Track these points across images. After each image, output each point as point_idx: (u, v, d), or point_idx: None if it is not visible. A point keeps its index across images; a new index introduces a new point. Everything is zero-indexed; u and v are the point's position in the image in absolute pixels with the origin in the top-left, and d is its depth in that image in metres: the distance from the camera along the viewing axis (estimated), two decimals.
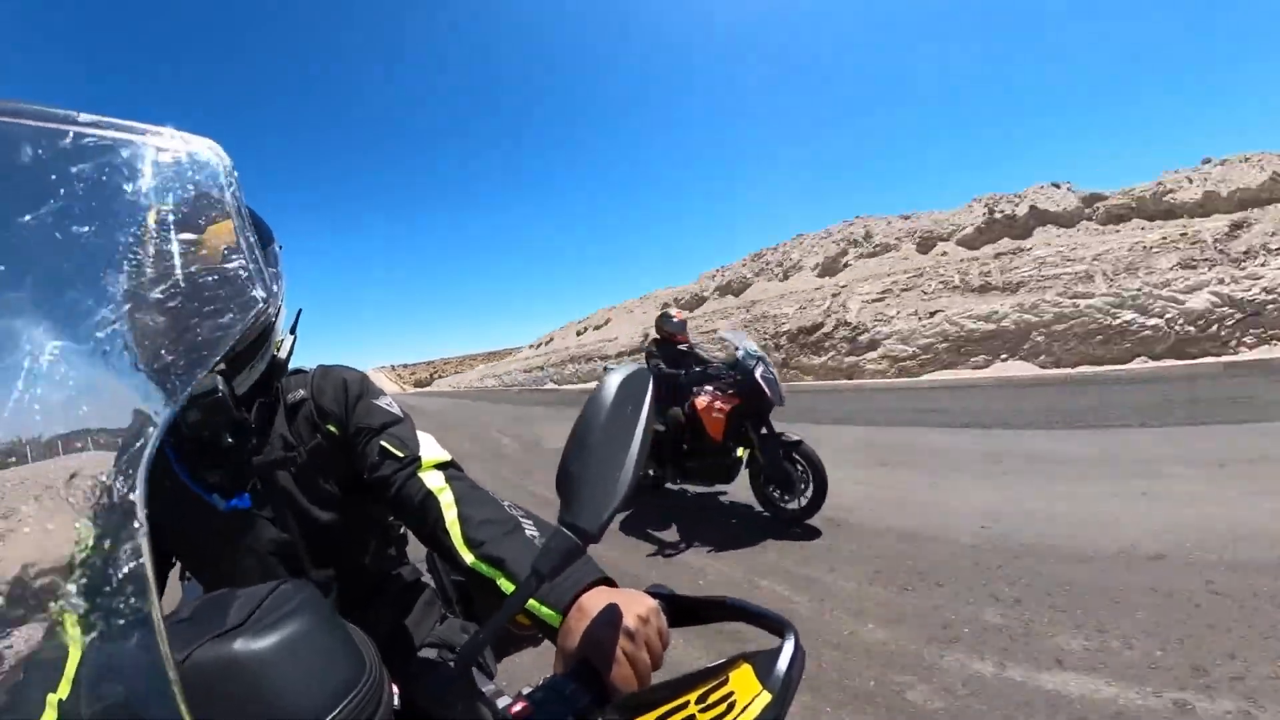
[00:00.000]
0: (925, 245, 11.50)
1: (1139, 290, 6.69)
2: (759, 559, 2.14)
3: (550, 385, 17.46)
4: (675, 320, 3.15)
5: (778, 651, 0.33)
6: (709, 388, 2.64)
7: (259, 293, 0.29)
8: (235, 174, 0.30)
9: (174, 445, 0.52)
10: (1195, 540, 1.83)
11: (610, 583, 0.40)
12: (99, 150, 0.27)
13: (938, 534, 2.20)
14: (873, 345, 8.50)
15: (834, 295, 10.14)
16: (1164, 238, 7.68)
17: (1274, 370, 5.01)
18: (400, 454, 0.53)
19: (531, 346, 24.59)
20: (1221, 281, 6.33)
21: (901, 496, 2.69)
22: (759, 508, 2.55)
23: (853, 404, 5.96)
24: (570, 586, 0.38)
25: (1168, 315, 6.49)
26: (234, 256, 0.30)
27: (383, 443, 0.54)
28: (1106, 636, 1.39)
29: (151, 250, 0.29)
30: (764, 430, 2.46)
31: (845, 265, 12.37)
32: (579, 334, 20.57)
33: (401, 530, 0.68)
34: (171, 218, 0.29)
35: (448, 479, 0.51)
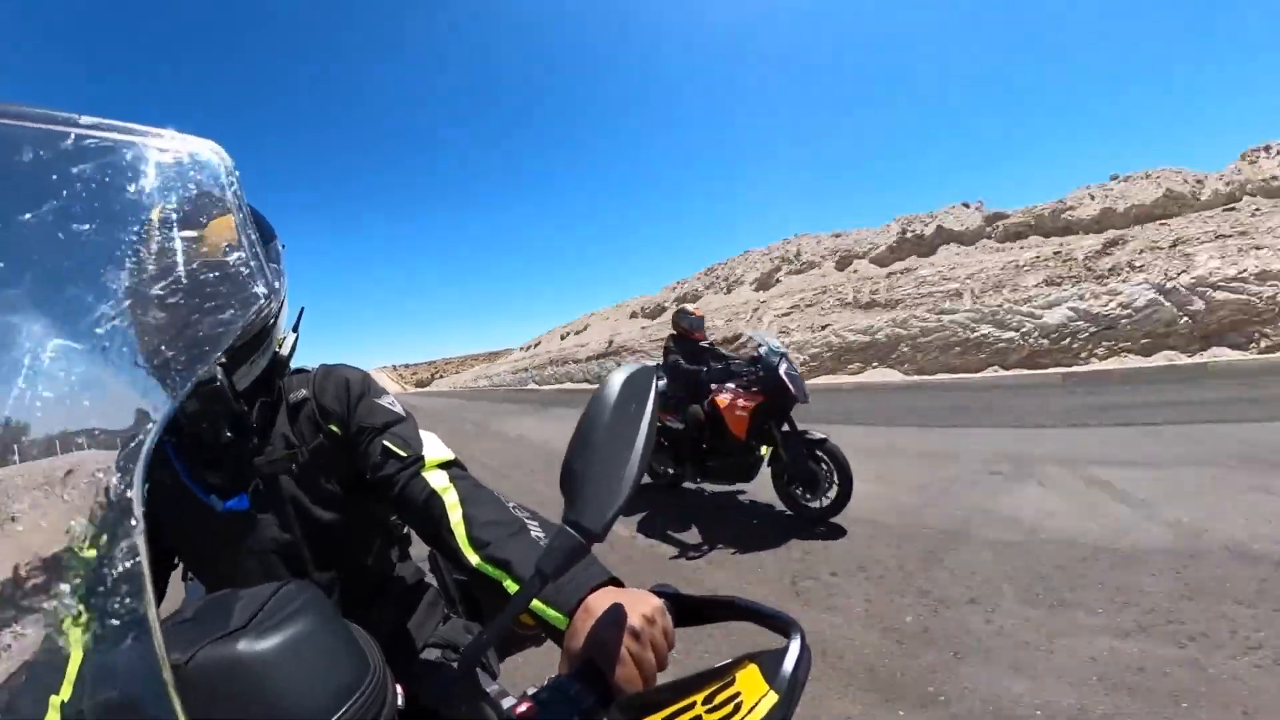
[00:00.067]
0: (843, 263, 12.36)
1: (999, 306, 7.37)
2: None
3: (532, 385, 18.95)
4: (693, 316, 3.06)
5: (784, 652, 0.33)
6: (730, 385, 2.59)
7: (260, 289, 0.29)
8: (236, 173, 0.31)
9: (174, 443, 0.53)
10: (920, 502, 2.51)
11: (617, 583, 0.40)
12: (100, 151, 0.27)
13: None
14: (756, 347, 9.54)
15: (754, 310, 11.16)
16: (1038, 256, 8.26)
17: (1102, 381, 5.66)
18: (403, 453, 0.53)
19: (522, 349, 26.22)
20: (1081, 298, 6.93)
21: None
22: (780, 506, 2.49)
23: None
24: (576, 588, 0.38)
25: (1024, 329, 7.15)
26: (235, 253, 0.30)
27: (385, 442, 0.54)
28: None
29: (153, 248, 0.29)
30: (787, 428, 2.41)
31: (777, 281, 13.37)
32: (562, 338, 22.15)
33: (404, 530, 0.68)
34: (173, 216, 0.29)
35: (452, 478, 0.51)
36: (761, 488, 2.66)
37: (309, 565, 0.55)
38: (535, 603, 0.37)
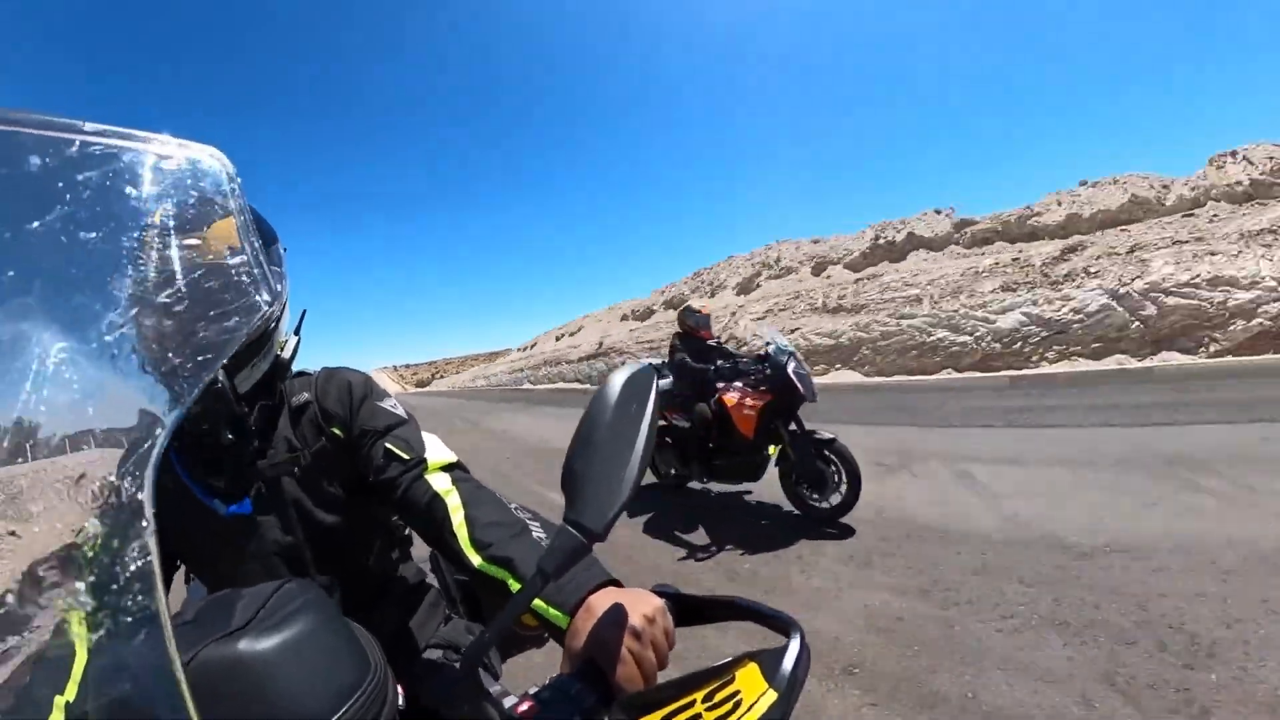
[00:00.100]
0: (819, 269, 12.62)
1: (955, 311, 7.60)
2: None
3: (527, 385, 19.45)
4: (699, 314, 3.01)
5: (783, 650, 0.33)
6: (738, 384, 2.56)
7: (264, 296, 0.30)
8: (238, 180, 0.31)
9: (177, 447, 0.53)
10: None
11: (617, 583, 0.40)
12: (104, 158, 0.27)
13: None
14: (740, 349, 9.93)
15: (733, 314, 11.50)
16: (996, 262, 8.47)
17: (1047, 384, 5.82)
18: (406, 456, 0.54)
19: (519, 350, 26.94)
20: (1035, 303, 7.14)
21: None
22: (786, 506, 2.48)
23: None
24: (577, 588, 0.38)
25: (978, 333, 7.37)
26: (238, 260, 0.30)
27: (388, 445, 0.54)
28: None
29: (157, 255, 0.29)
30: (794, 427, 2.40)
31: (757, 286, 13.69)
32: (557, 339, 22.66)
33: (406, 531, 0.68)
34: (176, 223, 0.30)
35: (454, 481, 0.52)
36: (767, 488, 2.65)
37: (311, 567, 0.56)
38: (537, 602, 0.38)
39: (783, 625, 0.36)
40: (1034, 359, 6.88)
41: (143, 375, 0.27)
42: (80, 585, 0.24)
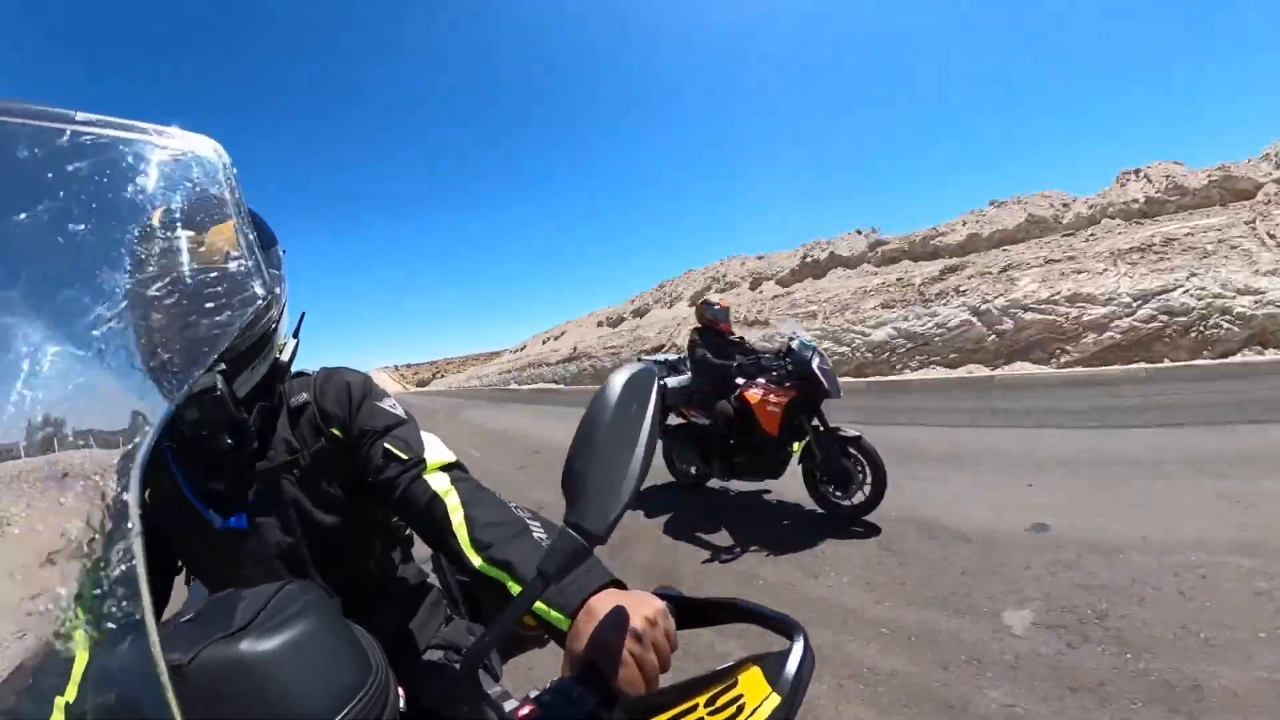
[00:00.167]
0: (755, 284, 13.66)
1: (840, 326, 8.43)
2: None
3: (513, 385, 21.02)
4: (717, 307, 2.95)
5: (787, 654, 0.33)
6: (760, 380, 2.51)
7: (258, 289, 0.29)
8: (234, 171, 0.30)
9: (173, 449, 0.52)
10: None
11: (619, 584, 0.40)
12: (96, 149, 0.27)
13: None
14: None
15: (677, 324, 12.61)
16: (883, 282, 9.15)
17: (900, 388, 6.65)
18: (405, 456, 0.53)
19: (511, 351, 28.26)
20: (905, 319, 7.91)
21: None
22: (808, 505, 2.44)
23: None
24: (578, 590, 0.38)
25: (855, 345, 8.20)
26: (233, 253, 0.29)
27: (387, 445, 0.54)
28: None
29: (150, 248, 0.29)
30: (818, 424, 2.36)
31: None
32: (544, 343, 24.16)
33: (406, 532, 0.68)
34: (170, 215, 0.29)
35: (453, 481, 0.51)
36: (786, 486, 2.62)
37: (311, 568, 0.56)
38: (538, 604, 0.38)
39: (786, 628, 0.36)
40: (898, 368, 7.63)
41: (132, 371, 0.27)
42: (73, 587, 0.23)
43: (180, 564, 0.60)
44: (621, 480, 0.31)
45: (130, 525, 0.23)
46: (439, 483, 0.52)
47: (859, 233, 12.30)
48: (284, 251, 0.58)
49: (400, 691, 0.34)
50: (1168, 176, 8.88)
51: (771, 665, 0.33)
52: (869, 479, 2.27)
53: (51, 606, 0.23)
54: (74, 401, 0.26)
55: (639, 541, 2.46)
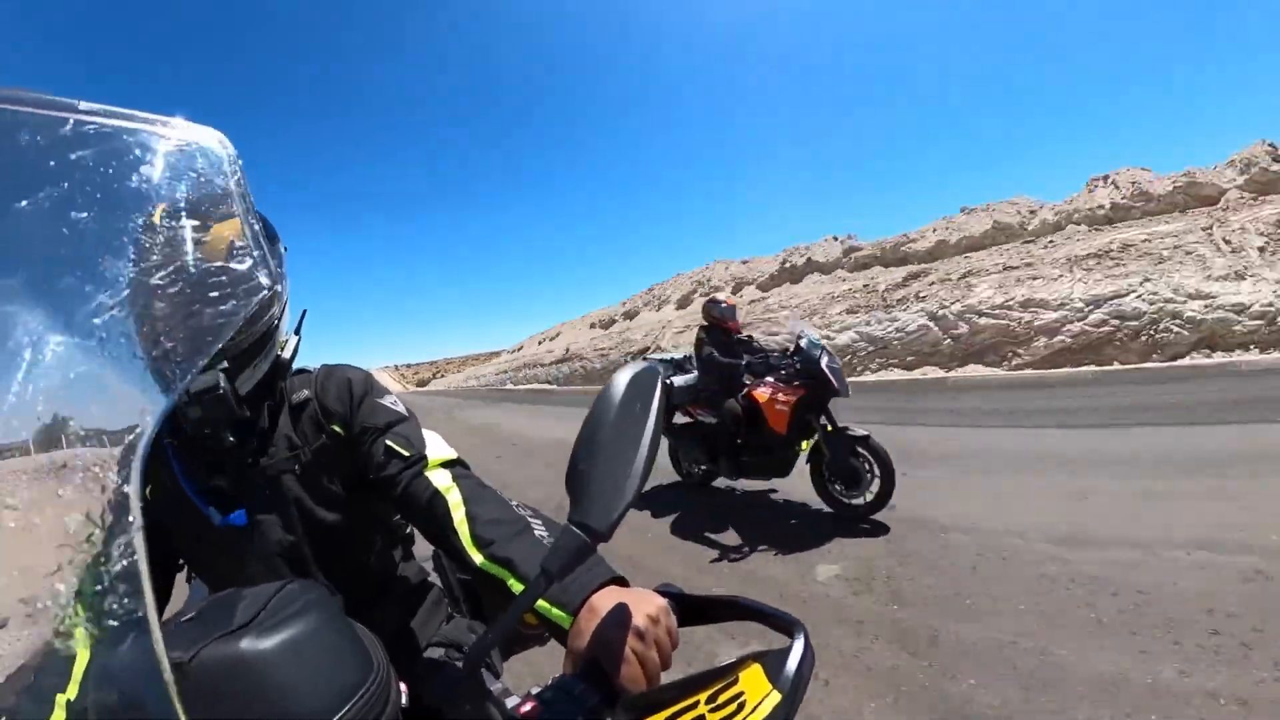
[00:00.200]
0: (738, 288, 14.27)
1: (752, 329, 8.88)
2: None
3: (509, 385, 21.55)
4: (724, 305, 2.95)
5: (787, 651, 0.33)
6: (769, 379, 2.51)
7: (263, 279, 0.29)
8: (240, 162, 0.30)
9: (174, 446, 0.52)
10: None
11: (621, 581, 0.40)
12: (100, 138, 0.27)
13: None
14: None
15: (662, 327, 13.04)
16: (850, 288, 9.47)
17: (860, 389, 6.54)
18: (406, 453, 0.53)
19: (509, 352, 28.85)
20: (868, 324, 8.24)
21: None
22: (814, 504, 2.45)
23: None
24: (580, 588, 0.38)
25: None
26: (238, 244, 0.29)
27: (388, 442, 0.54)
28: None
29: (153, 237, 0.29)
30: (826, 423, 2.37)
31: (692, 302, 15.23)
32: (540, 343, 24.68)
33: (408, 530, 0.68)
34: (175, 205, 0.29)
35: (455, 478, 0.51)
36: (792, 485, 2.64)
37: (312, 565, 0.56)
38: (540, 602, 0.38)
39: (786, 626, 0.36)
40: (859, 370, 7.94)
41: (133, 361, 0.27)
42: (74, 583, 0.23)
43: (181, 561, 0.60)
44: (625, 479, 0.31)
45: (131, 519, 0.23)
46: (440, 479, 0.52)
47: (835, 239, 12.68)
48: (285, 248, 0.58)
49: (402, 689, 0.34)
50: (1134, 183, 9.06)
51: (772, 663, 0.33)
52: (877, 478, 2.27)
53: (52, 604, 0.23)
54: (76, 393, 0.25)
55: (645, 541, 2.47)
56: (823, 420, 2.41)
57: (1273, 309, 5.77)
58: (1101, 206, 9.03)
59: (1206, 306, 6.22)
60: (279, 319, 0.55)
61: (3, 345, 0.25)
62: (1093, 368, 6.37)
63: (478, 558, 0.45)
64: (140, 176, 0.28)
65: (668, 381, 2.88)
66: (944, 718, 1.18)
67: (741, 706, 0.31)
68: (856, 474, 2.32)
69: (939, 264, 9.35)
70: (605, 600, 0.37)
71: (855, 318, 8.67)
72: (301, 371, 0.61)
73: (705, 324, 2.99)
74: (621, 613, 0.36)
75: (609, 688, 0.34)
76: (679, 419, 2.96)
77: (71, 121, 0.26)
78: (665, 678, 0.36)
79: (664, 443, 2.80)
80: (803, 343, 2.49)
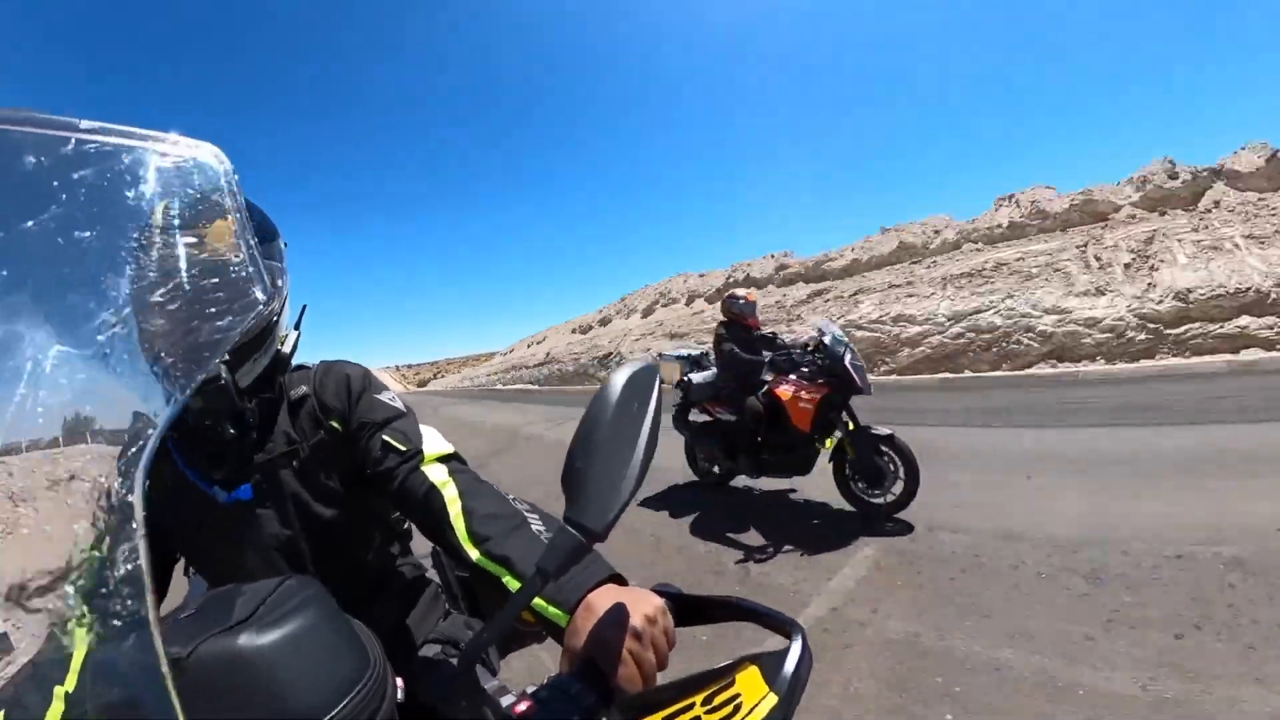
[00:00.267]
0: (690, 300, 15.47)
1: (668, 347, 10.24)
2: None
3: (498, 386, 23.18)
4: (743, 301, 2.88)
5: (785, 653, 0.33)
6: (791, 376, 2.47)
7: (258, 295, 0.30)
8: (236, 177, 0.31)
9: (176, 440, 0.53)
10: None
11: (619, 579, 0.40)
12: (100, 157, 0.27)
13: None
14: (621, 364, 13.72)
15: (624, 335, 14.47)
16: (768, 303, 10.56)
17: None
18: (403, 447, 0.54)
19: (502, 354, 30.04)
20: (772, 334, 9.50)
21: None
22: (836, 504, 2.42)
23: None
24: (576, 586, 0.38)
25: None
26: (234, 258, 0.30)
27: (385, 437, 0.55)
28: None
29: (153, 254, 0.29)
30: (848, 420, 2.35)
31: (654, 312, 16.55)
32: (528, 346, 26.26)
33: (405, 526, 0.69)
34: (173, 221, 0.30)
35: (451, 472, 0.52)
36: (813, 484, 2.62)
37: (309, 560, 0.56)
38: (536, 600, 0.38)
39: (784, 627, 0.36)
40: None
41: (136, 375, 0.27)
42: (75, 585, 0.24)
43: (179, 555, 0.61)
44: (622, 478, 0.31)
45: (134, 525, 0.24)
46: (437, 474, 0.52)
47: (772, 256, 13.69)
48: (285, 244, 0.58)
49: (399, 685, 0.35)
50: (1034, 202, 9.71)
51: (769, 664, 0.33)
52: (901, 476, 2.25)
53: (55, 603, 0.24)
54: (80, 404, 0.26)
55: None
56: (844, 418, 2.39)
57: (1123, 323, 6.37)
58: (1000, 225, 9.72)
59: (1059, 321, 7.00)
60: (278, 314, 0.56)
61: (9, 357, 0.25)
62: (947, 375, 7.36)
63: (474, 553, 0.46)
64: (139, 193, 0.29)
65: (685, 378, 2.88)
66: None
67: (738, 708, 0.32)
68: (880, 472, 2.30)
69: (840, 282, 10.32)
70: (602, 599, 0.38)
71: (768, 328, 9.82)
72: (300, 368, 0.62)
73: (724, 320, 2.92)
74: (619, 612, 0.36)
75: (605, 688, 0.34)
76: (696, 417, 2.92)
77: (73, 141, 0.27)
78: (662, 678, 0.36)
79: (680, 441, 2.94)
80: (826, 339, 2.45)
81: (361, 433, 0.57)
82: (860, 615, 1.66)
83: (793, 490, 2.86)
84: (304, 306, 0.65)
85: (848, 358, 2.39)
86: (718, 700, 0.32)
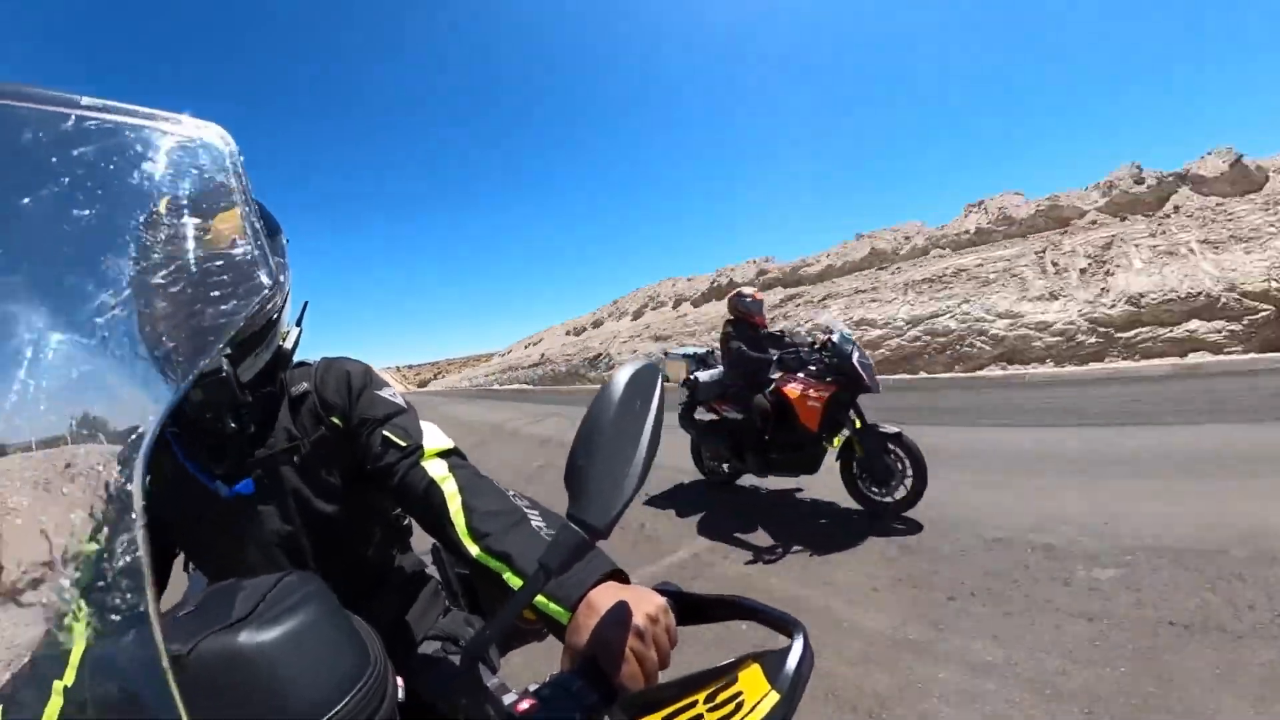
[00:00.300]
0: (677, 304, 16.57)
1: (695, 344, 10.68)
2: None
3: (495, 386, 23.84)
4: (750, 300, 2.86)
5: (787, 651, 0.33)
6: (799, 374, 2.47)
7: (264, 278, 0.29)
8: (241, 158, 0.30)
9: (175, 432, 0.53)
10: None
11: (621, 575, 0.40)
12: (101, 134, 0.26)
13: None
14: (609, 366, 13.67)
15: (613, 337, 15.14)
16: (723, 313, 11.37)
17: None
18: (403, 443, 0.54)
19: (500, 355, 30.91)
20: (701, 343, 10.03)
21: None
22: (844, 503, 2.42)
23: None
24: (578, 584, 0.38)
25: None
26: (239, 241, 0.29)
27: (385, 432, 0.55)
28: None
29: (156, 235, 0.29)
30: (855, 419, 2.35)
31: (643, 314, 17.25)
32: (526, 347, 26.89)
33: (405, 522, 0.69)
34: (176, 202, 0.29)
35: (451, 468, 0.52)
36: (819, 483, 2.63)
37: (309, 556, 0.57)
38: (538, 597, 0.38)
39: (786, 626, 0.36)
40: None
41: (136, 361, 0.27)
42: (74, 577, 0.23)
43: (178, 550, 0.61)
44: (624, 476, 0.31)
45: (134, 516, 0.23)
46: (436, 469, 0.52)
47: (754, 261, 14.20)
48: (287, 240, 0.58)
49: (399, 682, 0.35)
50: (1001, 208, 10.02)
51: (771, 663, 0.34)
52: (909, 475, 2.25)
53: (55, 596, 0.24)
54: (78, 391, 0.25)
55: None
56: (851, 416, 2.40)
57: (1073, 326, 6.61)
58: (967, 231, 10.05)
59: (1011, 325, 7.30)
60: (281, 309, 0.56)
61: (6, 343, 0.25)
62: (905, 375, 7.77)
63: (474, 549, 0.46)
64: (142, 173, 0.28)
65: (692, 377, 2.91)
66: None
67: (740, 706, 0.32)
68: (889, 471, 2.30)
69: (813, 287, 10.79)
70: (604, 597, 0.38)
71: (698, 339, 10.84)
72: (301, 364, 0.62)
73: (731, 318, 2.93)
74: (621, 611, 0.36)
75: (607, 686, 0.34)
76: (703, 415, 2.94)
77: (73, 118, 0.26)
78: (664, 676, 0.36)
79: (686, 439, 2.99)
80: (834, 337, 2.46)
81: (362, 429, 0.57)
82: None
83: (798, 489, 2.86)
84: (305, 303, 0.65)
85: (855, 356, 2.40)
86: (720, 698, 0.33)
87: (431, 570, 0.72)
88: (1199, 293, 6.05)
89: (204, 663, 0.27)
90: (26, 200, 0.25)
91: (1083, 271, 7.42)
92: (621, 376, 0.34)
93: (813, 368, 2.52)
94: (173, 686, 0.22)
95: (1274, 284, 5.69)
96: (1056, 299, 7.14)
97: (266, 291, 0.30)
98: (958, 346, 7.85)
